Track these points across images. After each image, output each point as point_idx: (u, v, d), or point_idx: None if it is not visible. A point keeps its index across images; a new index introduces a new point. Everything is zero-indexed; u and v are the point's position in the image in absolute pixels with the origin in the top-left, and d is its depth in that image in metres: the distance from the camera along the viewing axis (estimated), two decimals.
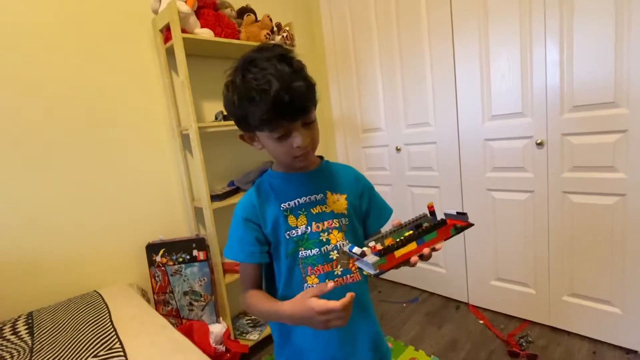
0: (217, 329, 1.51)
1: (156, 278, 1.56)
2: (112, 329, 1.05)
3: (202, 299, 1.58)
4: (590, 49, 1.35)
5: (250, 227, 0.70)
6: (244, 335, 1.72)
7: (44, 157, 1.36)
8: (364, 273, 0.65)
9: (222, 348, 1.48)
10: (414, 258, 0.57)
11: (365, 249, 0.56)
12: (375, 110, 2.18)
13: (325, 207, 0.72)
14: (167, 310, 1.57)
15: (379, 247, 0.57)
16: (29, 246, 1.33)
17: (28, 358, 0.94)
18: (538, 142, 1.53)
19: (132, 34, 1.58)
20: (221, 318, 1.62)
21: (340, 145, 2.45)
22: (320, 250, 0.70)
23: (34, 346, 1.00)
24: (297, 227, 0.70)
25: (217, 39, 1.60)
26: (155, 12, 1.58)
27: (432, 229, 0.60)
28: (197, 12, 1.57)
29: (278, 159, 0.69)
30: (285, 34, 1.87)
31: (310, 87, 0.61)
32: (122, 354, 0.92)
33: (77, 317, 1.14)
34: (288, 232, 0.70)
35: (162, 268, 1.55)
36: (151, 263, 1.55)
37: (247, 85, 0.58)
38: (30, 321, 1.15)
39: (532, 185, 1.60)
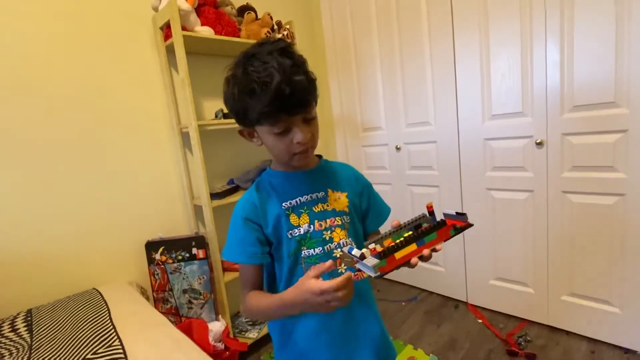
0: (216, 327, 1.51)
1: (155, 276, 1.56)
2: (112, 327, 1.05)
3: (202, 297, 1.58)
4: (591, 49, 1.35)
5: (251, 227, 0.68)
6: (243, 333, 1.72)
7: (43, 155, 1.35)
8: (364, 275, 0.65)
9: (221, 346, 1.48)
10: (414, 259, 0.56)
11: (364, 250, 0.56)
12: (375, 109, 2.18)
13: (327, 205, 0.72)
14: (166, 308, 1.57)
15: (379, 248, 0.56)
16: (28, 244, 1.33)
17: (27, 355, 0.94)
18: (538, 141, 1.53)
19: (132, 32, 1.58)
20: (220, 316, 1.62)
21: (340, 144, 2.44)
22: (323, 249, 0.69)
23: (33, 343, 1.00)
24: (300, 226, 0.69)
25: (218, 36, 1.60)
26: (156, 9, 1.58)
27: (432, 229, 0.60)
28: (198, 10, 1.57)
29: (277, 156, 0.68)
30: (285, 32, 1.86)
31: (311, 82, 0.61)
32: (121, 351, 0.92)
33: (76, 315, 1.14)
34: (290, 232, 0.69)
35: (162, 266, 1.55)
36: (150, 261, 1.55)
37: (248, 78, 0.58)
38: (29, 318, 1.15)
39: (531, 184, 1.60)
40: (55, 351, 0.95)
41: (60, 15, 1.38)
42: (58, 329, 1.06)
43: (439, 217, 0.64)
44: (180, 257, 1.56)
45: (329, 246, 0.70)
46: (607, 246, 1.43)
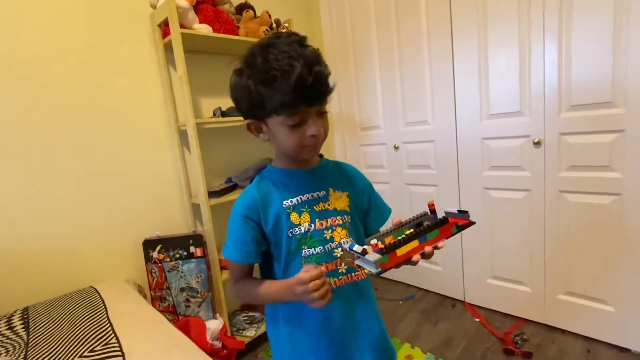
0: (213, 325, 1.51)
1: (153, 274, 1.56)
2: (109, 325, 1.05)
3: (199, 295, 1.58)
4: (589, 48, 1.35)
5: (249, 225, 0.68)
6: (240, 331, 1.72)
7: (40, 153, 1.35)
8: (365, 272, 0.64)
9: (218, 344, 1.48)
10: (416, 256, 0.56)
11: (366, 246, 0.55)
12: (373, 108, 2.18)
13: (328, 205, 0.71)
14: (163, 307, 1.56)
15: (380, 245, 0.56)
16: (25, 241, 1.32)
17: (23, 353, 0.94)
18: (535, 141, 1.53)
19: (130, 29, 1.57)
20: (218, 314, 1.62)
21: (338, 143, 2.44)
22: (323, 248, 0.69)
23: (30, 341, 1.00)
24: (300, 225, 0.69)
25: (216, 34, 1.59)
26: (154, 7, 1.57)
27: (434, 227, 0.59)
28: (196, 8, 1.57)
29: (287, 148, 0.65)
30: (284, 31, 1.86)
31: (328, 74, 0.61)
32: (118, 349, 0.91)
33: (73, 313, 1.14)
34: (291, 230, 0.68)
35: (159, 264, 1.55)
36: (148, 259, 1.55)
37: (268, 66, 0.57)
38: (25, 316, 1.15)
39: (529, 184, 1.60)
40: (52, 349, 0.94)
41: (57, 12, 1.38)
42: (55, 327, 1.06)
43: (440, 214, 0.63)
44: (177, 256, 1.55)
45: (330, 245, 0.70)
46: (604, 246, 1.44)
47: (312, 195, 0.71)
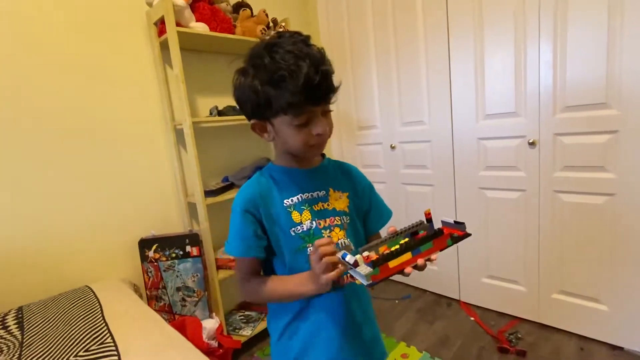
0: (210, 325, 1.50)
1: (149, 273, 1.55)
2: (104, 324, 1.04)
3: (195, 294, 1.58)
4: (584, 50, 1.36)
5: (249, 219, 0.67)
6: (237, 330, 1.72)
7: (34, 152, 1.34)
8: (356, 282, 0.64)
9: (214, 343, 1.47)
10: (408, 269, 0.56)
11: (358, 257, 0.55)
12: (370, 108, 2.18)
13: (327, 205, 0.71)
14: (159, 306, 1.56)
15: (373, 256, 0.55)
16: (19, 240, 1.31)
17: (18, 353, 0.93)
18: (530, 141, 1.55)
19: (126, 27, 1.56)
20: (214, 314, 1.62)
21: (335, 143, 2.45)
22: None
23: (24, 341, 0.99)
24: (302, 223, 0.68)
25: (212, 33, 1.59)
26: (150, 4, 1.56)
27: (428, 238, 0.59)
28: (192, 6, 1.56)
29: (293, 147, 0.66)
30: (281, 30, 1.86)
31: (332, 73, 0.62)
32: (113, 348, 0.91)
33: (68, 312, 1.13)
34: (293, 229, 0.68)
35: (155, 263, 1.54)
36: (144, 258, 1.55)
37: (276, 66, 0.57)
38: (20, 316, 1.14)
39: (524, 184, 1.61)
40: (47, 348, 0.94)
41: (52, 8, 1.36)
42: (49, 326, 1.05)
43: (437, 224, 0.63)
44: (173, 255, 1.55)
45: None
46: (597, 245, 1.45)
47: (311, 195, 0.71)
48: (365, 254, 0.56)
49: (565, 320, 1.61)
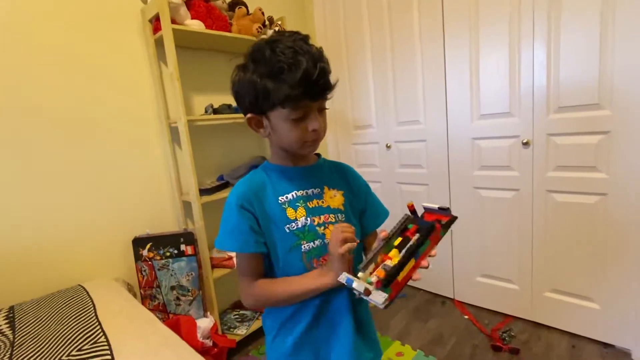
0: (204, 324, 1.50)
1: (143, 272, 1.54)
2: (97, 323, 1.03)
3: (190, 293, 1.57)
4: (577, 51, 1.38)
5: (245, 215, 0.66)
6: (231, 330, 1.71)
7: (28, 150, 1.32)
8: (370, 305, 0.64)
9: (209, 342, 1.47)
10: (416, 275, 0.56)
11: (367, 285, 0.54)
12: (366, 107, 2.18)
13: (322, 202, 0.72)
14: (153, 305, 1.55)
15: (381, 274, 0.56)
16: (11, 239, 1.29)
17: (9, 352, 0.92)
18: (524, 141, 1.56)
19: (120, 24, 1.55)
20: (209, 313, 1.61)
21: (331, 142, 2.45)
22: (322, 241, 0.69)
23: (15, 340, 0.98)
24: (297, 220, 0.68)
25: (208, 31, 1.58)
26: (145, 2, 1.55)
27: (424, 238, 0.59)
28: (188, 3, 1.55)
29: (288, 143, 0.66)
30: (277, 29, 1.85)
31: (329, 71, 0.63)
32: (107, 348, 0.90)
33: (60, 311, 1.12)
34: (288, 226, 0.68)
35: (149, 262, 1.53)
36: (138, 257, 1.53)
37: (276, 59, 0.59)
38: (11, 315, 1.12)
39: (517, 183, 1.63)
40: (39, 348, 0.93)
41: (46, 5, 1.34)
42: (41, 326, 1.04)
43: (420, 211, 0.64)
44: (168, 254, 1.54)
45: (323, 241, 0.69)
46: (589, 244, 1.47)
47: (306, 192, 0.71)
48: (374, 279, 0.56)
49: (558, 318, 1.63)
